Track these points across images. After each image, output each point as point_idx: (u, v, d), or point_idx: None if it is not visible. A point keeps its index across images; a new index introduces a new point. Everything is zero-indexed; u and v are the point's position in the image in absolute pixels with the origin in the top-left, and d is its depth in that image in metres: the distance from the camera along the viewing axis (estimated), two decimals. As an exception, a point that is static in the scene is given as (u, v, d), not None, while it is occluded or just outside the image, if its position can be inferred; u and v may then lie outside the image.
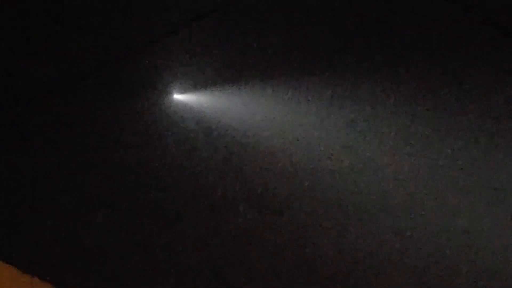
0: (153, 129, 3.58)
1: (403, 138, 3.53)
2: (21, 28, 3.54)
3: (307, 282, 3.42)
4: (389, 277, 3.32)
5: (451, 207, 3.34)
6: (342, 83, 3.62)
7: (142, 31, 3.59)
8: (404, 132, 3.54)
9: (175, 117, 3.61)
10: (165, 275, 3.47)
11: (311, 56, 3.65)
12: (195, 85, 3.66)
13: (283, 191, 3.58)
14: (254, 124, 3.61)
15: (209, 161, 3.62)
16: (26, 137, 3.57)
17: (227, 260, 3.43)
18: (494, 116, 3.38)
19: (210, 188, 3.57)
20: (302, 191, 3.57)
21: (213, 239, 3.49)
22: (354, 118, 3.60)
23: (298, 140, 3.63)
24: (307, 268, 3.49)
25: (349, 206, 3.48)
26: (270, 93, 3.61)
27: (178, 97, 3.64)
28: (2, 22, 3.48)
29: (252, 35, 3.69)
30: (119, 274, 3.41)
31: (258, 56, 3.67)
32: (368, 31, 3.58)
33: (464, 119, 3.41)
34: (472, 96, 3.43)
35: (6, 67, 3.55)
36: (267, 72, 3.64)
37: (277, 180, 3.59)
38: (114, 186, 3.49)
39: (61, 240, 3.45)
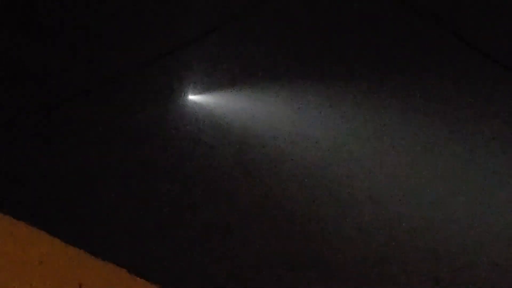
0: (170, 128, 3.86)
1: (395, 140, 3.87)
2: (56, 35, 3.78)
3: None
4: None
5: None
6: (342, 89, 3.91)
7: (162, 41, 3.73)
8: (393, 133, 3.87)
9: (190, 117, 3.87)
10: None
11: (316, 63, 3.88)
12: (209, 88, 3.87)
13: (288, 187, 3.94)
14: (263, 123, 3.95)
15: (220, 157, 3.92)
16: (64, 136, 3.85)
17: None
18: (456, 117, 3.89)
19: (221, 182, 3.87)
20: (304, 185, 3.90)
21: (225, 224, 3.83)
22: (352, 119, 3.97)
23: (304, 139, 4.02)
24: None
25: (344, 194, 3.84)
26: (280, 96, 3.89)
27: (192, 98, 3.86)
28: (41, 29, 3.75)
29: (262, 43, 3.85)
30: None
31: (268, 62, 3.86)
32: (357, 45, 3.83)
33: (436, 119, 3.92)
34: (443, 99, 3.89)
35: (45, 69, 3.73)
36: (277, 76, 3.87)
37: (284, 175, 3.94)
38: (137, 180, 3.80)
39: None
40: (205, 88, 3.88)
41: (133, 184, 3.92)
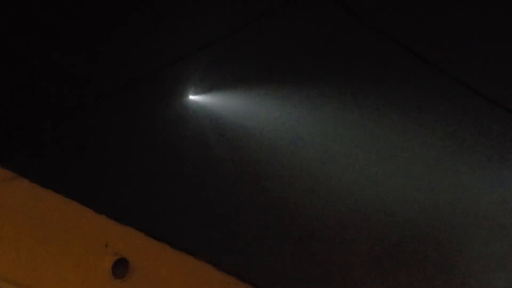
0: (171, 127, 4.29)
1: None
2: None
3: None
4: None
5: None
6: (338, 94, 4.18)
7: (167, 50, 3.98)
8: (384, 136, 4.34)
9: (190, 116, 4.26)
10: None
11: (314, 68, 4.09)
12: (209, 89, 4.17)
13: (285, 185, 4.55)
14: (261, 123, 4.29)
15: (218, 156, 4.40)
16: (85, 138, 4.43)
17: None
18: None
19: (219, 180, 4.48)
20: (301, 184, 4.54)
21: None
22: (347, 123, 4.32)
23: (300, 139, 4.38)
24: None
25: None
26: (277, 97, 4.17)
27: (193, 98, 4.18)
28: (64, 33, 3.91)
29: (262, 49, 4.01)
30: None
31: (267, 65, 4.07)
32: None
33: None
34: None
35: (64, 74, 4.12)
36: (275, 79, 4.11)
37: (281, 174, 4.49)
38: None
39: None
40: (205, 89, 4.17)
41: (135, 179, 4.57)
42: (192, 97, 4.24)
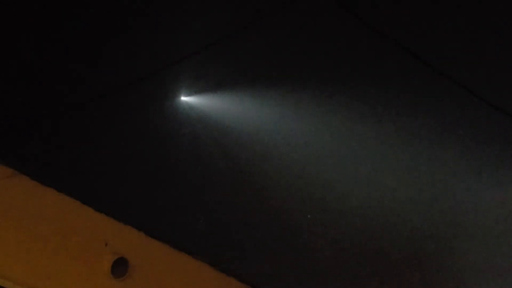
0: (164, 127, 4.38)
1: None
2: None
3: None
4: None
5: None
6: (328, 97, 4.26)
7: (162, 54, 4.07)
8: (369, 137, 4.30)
9: (182, 117, 4.34)
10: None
11: (304, 71, 4.18)
12: (200, 90, 4.25)
13: (275, 182, 4.60)
14: (250, 124, 4.34)
15: (210, 154, 4.47)
16: (83, 137, 4.52)
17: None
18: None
19: (211, 178, 4.47)
20: (289, 180, 4.48)
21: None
22: (336, 125, 4.37)
23: (288, 139, 4.45)
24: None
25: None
26: (266, 99, 4.23)
27: (185, 99, 4.27)
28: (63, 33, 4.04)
29: (252, 54, 4.09)
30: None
31: (257, 69, 4.15)
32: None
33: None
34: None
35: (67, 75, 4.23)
36: (265, 82, 4.18)
37: (271, 172, 4.50)
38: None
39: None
40: (197, 90, 4.24)
41: (134, 179, 4.63)
42: (184, 98, 4.30)
